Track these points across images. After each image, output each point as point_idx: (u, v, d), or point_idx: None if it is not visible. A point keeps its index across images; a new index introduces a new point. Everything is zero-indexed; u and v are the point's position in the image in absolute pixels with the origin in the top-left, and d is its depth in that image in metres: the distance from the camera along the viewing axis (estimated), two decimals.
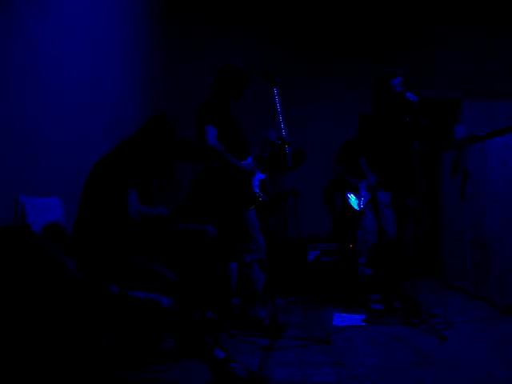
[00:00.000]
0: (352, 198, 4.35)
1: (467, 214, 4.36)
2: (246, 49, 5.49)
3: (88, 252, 2.38)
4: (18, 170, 2.49)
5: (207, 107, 3.31)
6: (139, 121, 2.70)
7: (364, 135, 3.82)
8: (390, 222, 3.70)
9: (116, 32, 3.94)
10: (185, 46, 5.70)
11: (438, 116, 5.67)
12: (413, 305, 3.46)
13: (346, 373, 2.54)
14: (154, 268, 2.35)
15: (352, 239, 4.54)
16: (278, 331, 3.15)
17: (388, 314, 3.67)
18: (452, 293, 4.49)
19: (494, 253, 3.90)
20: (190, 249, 2.78)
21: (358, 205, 4.20)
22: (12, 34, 2.45)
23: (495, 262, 3.88)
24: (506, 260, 3.71)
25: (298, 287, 4.40)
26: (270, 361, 2.71)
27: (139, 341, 2.70)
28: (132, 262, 2.36)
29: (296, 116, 4.91)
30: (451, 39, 5.93)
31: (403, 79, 3.68)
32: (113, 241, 2.39)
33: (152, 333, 2.71)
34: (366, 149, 3.86)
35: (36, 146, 2.67)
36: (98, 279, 2.27)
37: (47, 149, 2.78)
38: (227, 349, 2.54)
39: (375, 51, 5.79)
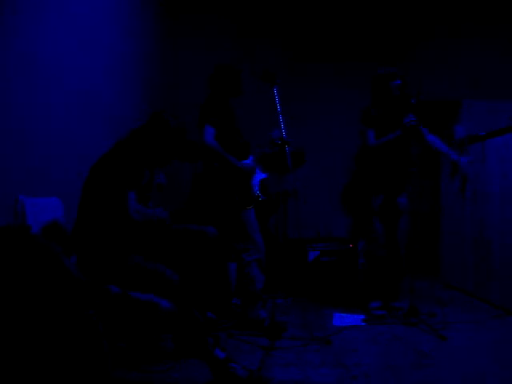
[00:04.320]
0: None
1: (467, 214, 4.36)
2: (246, 48, 5.50)
3: (88, 252, 2.38)
4: (17, 170, 2.49)
5: (206, 107, 3.31)
6: (141, 120, 2.69)
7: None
8: (377, 226, 3.72)
9: (116, 30, 3.94)
10: (186, 45, 5.71)
11: (438, 116, 5.67)
12: (412, 305, 3.46)
13: (346, 373, 2.54)
14: (155, 268, 2.35)
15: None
16: (278, 331, 3.15)
17: (388, 314, 3.67)
18: (452, 293, 4.49)
19: (494, 253, 3.90)
20: (190, 249, 2.78)
21: None
22: (11, 34, 2.46)
23: (495, 262, 3.88)
24: (507, 260, 3.71)
25: (297, 287, 4.40)
26: (270, 361, 2.71)
27: (139, 341, 2.69)
28: (132, 262, 2.36)
29: (296, 116, 4.91)
30: (451, 39, 5.93)
31: (402, 82, 3.68)
32: (112, 241, 2.39)
33: (152, 333, 2.71)
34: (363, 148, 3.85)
35: (36, 146, 2.67)
36: (98, 279, 2.27)
37: (47, 149, 2.78)
38: (227, 349, 2.54)
39: (376, 51, 5.78)
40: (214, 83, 3.42)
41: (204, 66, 3.76)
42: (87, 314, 1.71)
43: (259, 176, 4.20)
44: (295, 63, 5.79)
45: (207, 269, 2.94)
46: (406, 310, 3.53)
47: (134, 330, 2.39)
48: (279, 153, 3.32)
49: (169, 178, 3.51)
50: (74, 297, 1.72)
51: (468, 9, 5.93)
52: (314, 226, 5.25)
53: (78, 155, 3.05)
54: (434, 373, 2.54)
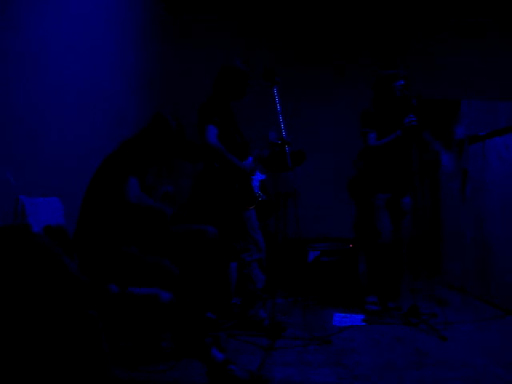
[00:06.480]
0: None
1: (467, 214, 4.36)
2: (246, 48, 5.49)
3: (88, 252, 2.38)
4: (17, 170, 2.49)
5: (208, 107, 3.31)
6: (141, 121, 2.71)
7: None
8: (385, 224, 3.71)
9: (117, 30, 3.94)
10: (186, 45, 5.70)
11: (438, 116, 5.67)
12: (413, 305, 3.46)
13: (346, 373, 2.54)
14: (155, 259, 2.36)
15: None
16: (278, 331, 3.15)
17: (387, 314, 3.67)
18: (452, 293, 4.49)
19: (494, 253, 3.90)
20: (191, 249, 2.78)
21: None
22: (12, 34, 2.45)
23: (496, 262, 3.88)
24: (507, 260, 3.71)
25: (298, 287, 4.40)
26: (270, 361, 2.70)
27: (139, 341, 2.69)
28: (131, 253, 2.37)
29: (296, 116, 4.91)
30: (451, 39, 5.93)
31: (405, 82, 3.69)
32: (112, 231, 2.39)
33: (152, 332, 2.71)
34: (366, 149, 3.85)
35: (36, 146, 2.67)
36: (99, 279, 2.27)
37: (47, 149, 2.78)
38: (227, 349, 2.54)
39: (376, 51, 5.79)
40: (218, 84, 3.40)
41: (204, 65, 3.77)
42: (88, 314, 1.71)
43: (259, 176, 4.20)
44: (295, 63, 5.79)
45: (207, 269, 2.94)
46: (406, 310, 3.53)
47: (135, 327, 2.39)
48: (279, 153, 3.32)
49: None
50: (75, 297, 1.72)
51: (468, 9, 5.93)
52: (313, 226, 5.25)
53: (78, 155, 3.05)
54: (434, 373, 2.54)
